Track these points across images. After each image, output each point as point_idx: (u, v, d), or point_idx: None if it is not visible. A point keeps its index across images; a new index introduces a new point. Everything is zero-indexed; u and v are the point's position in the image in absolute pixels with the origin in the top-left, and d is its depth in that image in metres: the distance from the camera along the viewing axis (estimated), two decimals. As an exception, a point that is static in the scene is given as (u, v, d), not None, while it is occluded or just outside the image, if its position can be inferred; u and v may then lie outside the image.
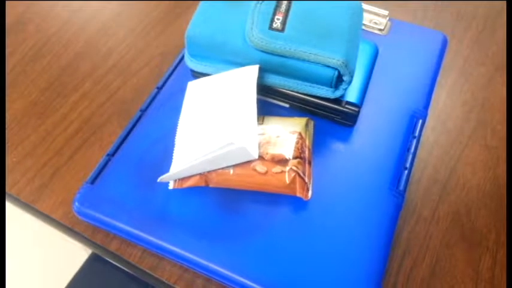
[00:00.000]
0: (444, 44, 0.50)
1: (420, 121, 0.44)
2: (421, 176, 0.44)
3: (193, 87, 0.43)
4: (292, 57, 0.39)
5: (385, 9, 0.51)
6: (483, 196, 0.42)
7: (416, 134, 0.43)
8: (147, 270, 0.38)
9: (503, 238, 0.40)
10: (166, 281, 0.37)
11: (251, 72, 0.40)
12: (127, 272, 0.39)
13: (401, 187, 0.39)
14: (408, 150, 0.42)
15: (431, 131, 0.47)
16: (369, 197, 0.39)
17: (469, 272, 0.38)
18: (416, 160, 0.44)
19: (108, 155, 0.41)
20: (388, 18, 0.51)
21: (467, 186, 0.43)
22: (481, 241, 0.40)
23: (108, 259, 0.40)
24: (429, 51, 0.49)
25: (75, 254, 0.63)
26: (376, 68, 0.46)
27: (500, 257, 0.39)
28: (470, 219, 0.41)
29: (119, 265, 0.39)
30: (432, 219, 0.41)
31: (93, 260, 0.56)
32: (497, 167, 0.44)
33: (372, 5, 0.51)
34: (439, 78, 0.49)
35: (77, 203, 0.39)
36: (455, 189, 0.43)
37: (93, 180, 0.40)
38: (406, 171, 0.40)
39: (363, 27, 0.51)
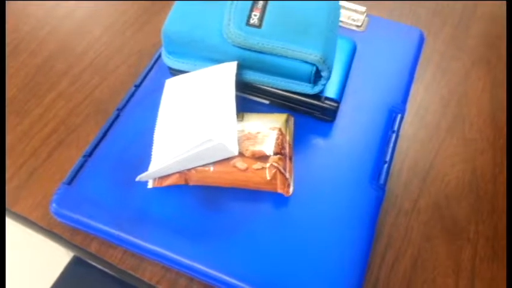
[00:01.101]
0: (421, 39, 0.51)
1: (399, 116, 0.44)
2: (401, 170, 0.44)
3: (171, 84, 0.42)
4: (270, 53, 0.38)
5: (363, 5, 0.51)
6: (462, 188, 0.43)
7: (395, 128, 0.43)
8: (129, 271, 0.37)
9: (483, 229, 0.41)
10: (148, 282, 0.37)
11: (229, 69, 0.39)
12: (110, 274, 0.38)
13: (382, 181, 0.40)
14: (387, 144, 0.42)
15: (410, 126, 0.47)
16: (350, 191, 0.39)
17: (450, 263, 0.39)
18: (396, 154, 0.44)
19: (84, 155, 0.40)
20: (365, 14, 0.51)
21: (447, 178, 0.44)
22: (462, 232, 0.40)
23: (88, 261, 0.39)
24: (406, 47, 0.50)
25: (57, 258, 0.62)
26: (354, 63, 0.46)
27: (480, 247, 0.40)
28: (451, 211, 0.42)
29: (99, 266, 0.39)
30: (413, 212, 0.41)
31: (75, 262, 0.54)
32: (476, 159, 0.45)
33: (349, 2, 0.52)
34: (416, 74, 0.49)
35: (54, 204, 0.38)
36: (435, 182, 0.43)
37: (70, 181, 0.39)
38: (386, 165, 0.41)
39: (341, 23, 0.51)
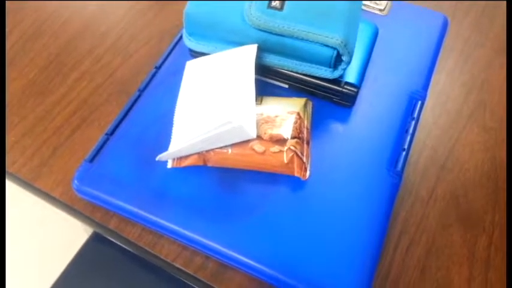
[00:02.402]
0: (445, 25, 0.50)
1: (419, 102, 0.44)
2: (419, 157, 0.44)
3: (191, 66, 0.42)
4: (291, 36, 0.38)
5: (386, -11, 0.51)
6: (480, 177, 0.43)
7: (415, 115, 0.43)
8: (146, 248, 0.38)
9: (499, 219, 0.40)
10: (165, 259, 0.38)
11: (249, 52, 0.39)
12: (128, 250, 0.39)
13: (399, 168, 0.39)
14: (407, 131, 0.42)
15: (430, 112, 0.47)
16: (367, 177, 0.39)
17: (464, 252, 0.39)
18: (414, 141, 0.44)
19: (106, 134, 0.41)
20: (389, -2, 0.51)
21: (465, 167, 0.43)
22: (478, 222, 0.40)
23: (107, 236, 0.40)
24: (429, 33, 0.49)
25: (78, 234, 0.63)
26: (375, 48, 0.46)
27: (496, 237, 0.39)
28: (467, 200, 0.41)
29: (118, 243, 0.40)
30: (429, 200, 0.41)
31: (94, 239, 0.56)
32: (495, 148, 0.44)
33: (373, -15, 0.51)
34: (439, 60, 0.48)
35: (76, 181, 0.39)
36: (453, 170, 0.43)
37: (92, 159, 0.40)
38: (404, 152, 0.40)
39: (363, 7, 0.50)
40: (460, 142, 0.45)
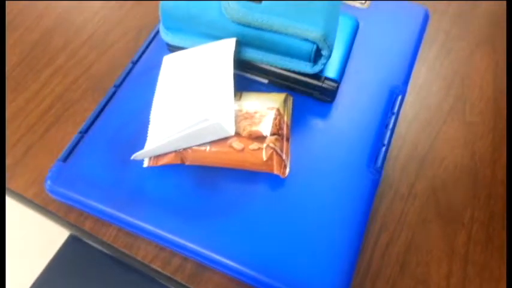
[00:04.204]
0: (426, 18, 0.50)
1: (399, 97, 0.43)
2: (399, 153, 0.44)
3: (168, 61, 0.41)
4: (270, 30, 0.38)
5: (367, -18, 0.50)
6: (460, 172, 0.43)
7: (395, 110, 0.42)
8: (122, 250, 0.38)
9: (478, 214, 0.40)
10: (142, 260, 0.37)
11: (228, 46, 0.38)
12: (106, 252, 0.38)
13: (379, 164, 0.39)
14: (387, 126, 0.41)
15: (411, 107, 0.47)
16: (347, 173, 0.38)
17: (444, 247, 0.39)
18: (394, 136, 0.44)
19: (80, 132, 0.40)
20: (370, -9, 0.50)
21: (445, 162, 0.43)
22: (457, 217, 0.40)
23: (82, 238, 0.39)
24: (410, 26, 0.49)
25: (55, 236, 0.62)
26: (356, 42, 0.45)
27: (474, 232, 0.39)
28: (447, 195, 0.41)
29: (94, 244, 0.39)
30: (409, 196, 0.41)
31: (71, 241, 0.55)
32: (475, 143, 0.44)
33: (353, -22, 0.50)
34: (419, 53, 0.48)
35: (49, 181, 0.38)
36: (432, 166, 0.43)
37: (65, 158, 0.38)
38: (384, 148, 0.40)
39: (344, 0, 0.50)
40: (440, 137, 0.45)
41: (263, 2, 0.38)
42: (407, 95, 0.44)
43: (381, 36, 0.47)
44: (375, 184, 0.38)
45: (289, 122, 0.40)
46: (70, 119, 0.44)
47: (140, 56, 0.45)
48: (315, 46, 0.38)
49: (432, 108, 0.47)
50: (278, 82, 0.42)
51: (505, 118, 0.46)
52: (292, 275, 0.34)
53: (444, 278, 0.37)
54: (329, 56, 0.38)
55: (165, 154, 0.37)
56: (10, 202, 0.42)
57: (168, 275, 0.36)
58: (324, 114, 0.42)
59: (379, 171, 0.39)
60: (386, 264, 0.38)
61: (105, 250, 0.38)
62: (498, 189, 0.42)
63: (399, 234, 0.39)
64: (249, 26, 0.38)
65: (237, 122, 0.37)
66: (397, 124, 0.43)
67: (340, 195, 0.37)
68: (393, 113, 0.42)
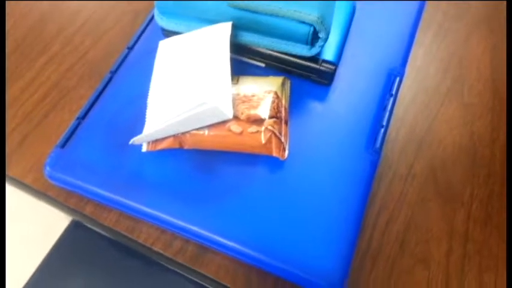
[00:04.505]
0: (423, 0, 0.49)
1: (397, 79, 0.43)
2: (398, 134, 0.44)
3: (164, 46, 0.41)
4: (266, 13, 0.37)
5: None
6: (459, 152, 0.43)
7: (393, 92, 0.42)
8: (124, 233, 0.38)
9: (478, 193, 0.41)
10: (143, 243, 0.37)
11: (224, 30, 0.38)
12: (108, 237, 0.38)
13: (378, 145, 0.39)
14: (385, 108, 0.41)
15: (409, 89, 0.47)
16: (345, 155, 0.38)
17: (443, 226, 0.39)
18: (393, 118, 0.44)
19: (78, 118, 0.40)
20: (366, -27, 0.50)
21: (443, 143, 0.43)
22: (456, 196, 0.40)
23: (84, 223, 0.39)
24: (407, 8, 0.48)
25: (57, 222, 0.62)
26: (353, 25, 0.45)
27: (474, 210, 0.40)
28: (446, 175, 0.41)
29: (95, 229, 0.39)
30: (408, 176, 0.41)
31: (74, 226, 0.55)
32: (473, 124, 0.44)
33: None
34: (417, 35, 0.48)
35: (48, 167, 0.37)
36: (431, 147, 0.43)
37: (63, 144, 0.38)
38: (382, 130, 0.40)
39: (341, -17, 0.49)
40: (438, 118, 0.45)
41: (259, -16, 0.37)
42: (405, 77, 0.44)
43: (378, 18, 0.47)
44: (374, 165, 0.38)
45: (287, 105, 0.40)
46: (66, 106, 0.44)
47: (136, 42, 0.45)
48: (312, 28, 0.37)
49: (430, 90, 0.47)
50: (275, 65, 0.42)
51: (503, 98, 0.46)
52: (293, 255, 0.34)
53: (444, 256, 0.37)
54: (326, 39, 0.38)
55: (164, 139, 0.37)
56: (9, 189, 0.41)
57: (170, 257, 0.36)
58: (321, 97, 0.42)
59: (378, 152, 0.39)
60: (386, 243, 0.38)
61: (106, 234, 0.38)
62: (497, 168, 0.42)
63: (398, 213, 0.39)
64: (245, 9, 0.38)
65: (235, 106, 0.37)
66: (396, 106, 0.43)
67: (339, 177, 0.37)
68: (391, 95, 0.42)
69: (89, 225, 0.39)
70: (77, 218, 0.39)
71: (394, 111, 0.44)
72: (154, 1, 0.40)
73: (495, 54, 0.49)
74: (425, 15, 0.51)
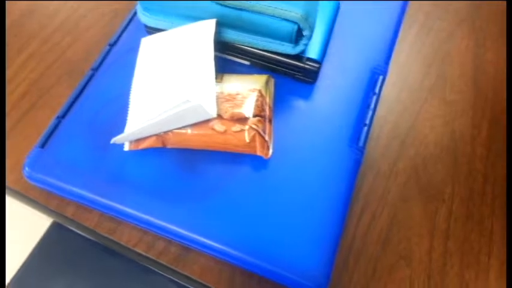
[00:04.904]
0: (406, -1, 0.50)
1: (381, 77, 0.43)
2: (381, 133, 0.44)
3: (147, 43, 0.41)
4: (250, 11, 0.37)
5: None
6: (440, 151, 0.43)
7: (377, 90, 0.43)
8: (106, 235, 0.37)
9: (459, 190, 0.41)
10: (125, 245, 0.37)
11: (208, 27, 0.38)
12: (90, 238, 0.38)
13: (361, 143, 0.39)
14: (368, 106, 0.42)
15: (392, 87, 0.47)
16: (329, 153, 0.38)
17: (425, 223, 0.39)
18: (376, 116, 0.44)
19: (58, 117, 0.39)
20: (350, -29, 0.50)
21: (425, 141, 0.44)
22: (438, 194, 0.41)
23: (65, 225, 0.39)
24: (391, 6, 0.48)
25: (38, 223, 0.61)
26: (337, 23, 0.45)
27: (455, 208, 0.40)
28: (427, 173, 0.42)
29: (77, 231, 0.38)
30: (391, 174, 0.42)
31: (54, 228, 0.54)
32: (455, 122, 0.45)
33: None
34: (400, 33, 0.48)
35: (27, 168, 0.37)
36: (413, 145, 0.43)
37: (43, 144, 0.38)
38: (365, 128, 0.40)
39: (325, -20, 0.49)
40: (420, 116, 0.45)
41: (243, -19, 0.37)
42: (388, 74, 0.45)
43: (362, 17, 0.47)
44: (357, 163, 0.38)
45: (271, 104, 0.40)
46: (46, 104, 0.43)
47: (118, 39, 0.44)
48: (296, 26, 0.37)
49: (413, 88, 0.47)
50: (259, 63, 0.42)
51: (483, 94, 0.47)
52: (277, 254, 0.34)
53: (426, 253, 0.38)
54: (310, 37, 0.38)
55: (146, 138, 0.36)
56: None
57: (153, 258, 0.36)
58: (305, 95, 0.42)
59: (361, 150, 0.39)
60: (369, 242, 0.38)
61: (88, 236, 0.38)
62: (477, 166, 0.42)
63: (381, 211, 0.40)
64: (229, 6, 0.37)
65: (218, 104, 0.37)
66: (379, 104, 0.43)
67: (323, 175, 0.37)
68: (374, 93, 0.42)
69: (71, 227, 0.38)
70: (58, 220, 0.38)
71: (378, 109, 0.44)
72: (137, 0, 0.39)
73: (477, 52, 0.50)
74: (407, 15, 0.51)
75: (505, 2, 0.54)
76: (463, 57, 0.49)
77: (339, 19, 0.45)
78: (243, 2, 0.36)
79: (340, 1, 0.45)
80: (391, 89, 0.47)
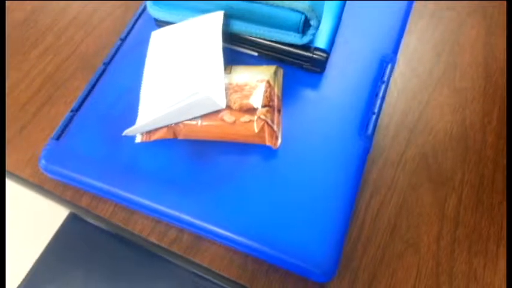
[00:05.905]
0: (415, -14, 0.49)
1: (389, 66, 0.43)
2: (390, 121, 0.44)
3: (157, 36, 0.41)
4: (258, 2, 0.37)
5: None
6: (450, 139, 0.43)
7: (385, 79, 0.43)
8: (120, 224, 0.38)
9: (469, 178, 0.41)
10: (138, 234, 0.38)
11: (216, 19, 0.38)
12: (105, 229, 0.39)
13: (370, 132, 0.40)
14: (377, 95, 0.42)
15: (401, 76, 0.47)
16: (338, 142, 0.39)
17: (435, 211, 0.39)
18: (385, 105, 0.44)
19: (72, 110, 0.40)
20: (358, -41, 0.49)
21: (435, 129, 0.44)
22: (447, 182, 0.41)
23: (80, 215, 0.40)
24: (400, -6, 0.48)
25: (55, 214, 0.63)
26: (345, 12, 0.45)
27: (465, 196, 0.40)
28: (437, 161, 0.42)
29: (91, 221, 0.39)
30: (400, 162, 0.42)
31: (71, 219, 0.55)
32: (465, 109, 0.45)
33: None
34: (410, 23, 0.48)
35: (43, 160, 0.38)
36: (423, 133, 0.43)
37: (58, 137, 0.39)
38: (374, 116, 0.40)
39: (333, -30, 0.49)
40: (430, 104, 0.45)
41: (250, -27, 0.37)
42: (397, 63, 0.44)
43: (370, 6, 0.47)
44: (366, 151, 0.39)
45: (279, 94, 0.40)
46: (61, 98, 0.44)
47: (128, 33, 0.45)
48: (303, 17, 0.37)
49: (422, 76, 0.47)
50: (268, 54, 0.42)
51: (495, 83, 0.46)
52: (286, 242, 0.34)
53: (434, 240, 0.38)
54: (318, 27, 0.38)
55: (157, 129, 0.37)
56: (6, 183, 0.42)
57: (165, 247, 0.37)
58: (314, 85, 0.42)
59: (370, 138, 0.39)
60: (378, 229, 0.38)
61: (103, 226, 0.39)
62: (488, 153, 0.42)
63: (390, 199, 0.40)
64: (236, -2, 0.38)
65: (227, 95, 0.37)
66: (388, 93, 0.43)
67: (331, 163, 0.38)
68: (383, 82, 0.42)
69: (85, 218, 0.39)
70: (74, 211, 0.39)
71: (387, 98, 0.44)
72: (146, -8, 0.40)
73: (488, 40, 0.49)
74: (416, 5, 0.51)
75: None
76: (473, 45, 0.49)
77: (347, 8, 0.45)
78: (251, -7, 0.37)
79: (348, -10, 0.45)
80: (399, 78, 0.47)
